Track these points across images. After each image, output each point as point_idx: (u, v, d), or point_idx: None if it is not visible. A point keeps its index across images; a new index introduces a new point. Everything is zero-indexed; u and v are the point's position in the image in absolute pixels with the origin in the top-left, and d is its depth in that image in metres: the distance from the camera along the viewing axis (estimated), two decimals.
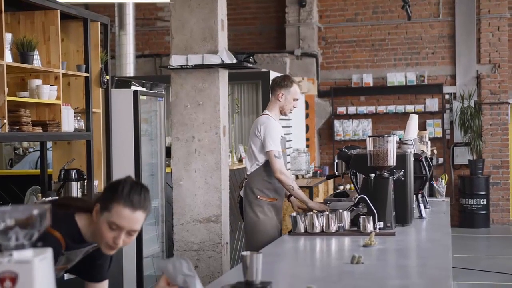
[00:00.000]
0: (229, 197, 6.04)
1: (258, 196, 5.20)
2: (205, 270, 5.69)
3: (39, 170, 5.80)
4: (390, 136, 4.40)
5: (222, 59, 5.69)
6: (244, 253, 2.74)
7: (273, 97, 5.34)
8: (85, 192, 5.60)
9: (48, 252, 1.78)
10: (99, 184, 5.85)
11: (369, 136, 4.44)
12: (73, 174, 5.43)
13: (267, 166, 5.17)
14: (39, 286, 1.72)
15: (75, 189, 5.42)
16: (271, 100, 5.37)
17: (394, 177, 4.43)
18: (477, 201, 12.19)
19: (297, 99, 5.33)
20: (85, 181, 5.57)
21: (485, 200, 12.21)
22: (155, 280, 6.72)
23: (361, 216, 4.23)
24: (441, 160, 12.49)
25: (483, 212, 12.23)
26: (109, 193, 2.62)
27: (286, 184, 5.10)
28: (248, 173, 5.29)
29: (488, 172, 12.47)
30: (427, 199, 5.62)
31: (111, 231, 2.58)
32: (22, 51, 4.77)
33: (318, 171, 11.13)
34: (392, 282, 2.97)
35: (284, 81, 5.30)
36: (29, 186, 5.91)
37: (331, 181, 11.42)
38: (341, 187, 12.19)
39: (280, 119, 5.39)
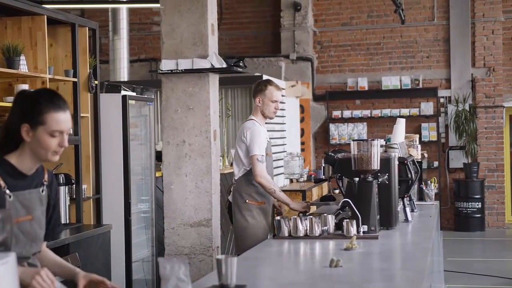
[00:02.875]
0: (220, 201, 6.06)
1: (247, 200, 5.26)
2: (196, 274, 5.70)
3: None
4: (374, 140, 4.41)
5: (212, 64, 5.71)
6: (219, 257, 2.76)
7: (254, 103, 5.45)
8: (74, 196, 5.61)
9: (11, 257, 1.80)
10: (87, 189, 5.86)
11: (353, 140, 4.46)
12: (61, 178, 5.44)
13: None
14: None
15: (63, 194, 5.42)
16: (254, 105, 5.48)
17: (378, 181, 4.44)
18: (472, 204, 12.19)
19: (275, 101, 5.36)
20: (73, 185, 5.59)
21: (480, 203, 12.21)
22: (145, 285, 6.72)
23: (345, 220, 4.24)
24: (436, 163, 12.50)
25: (478, 215, 12.23)
26: (33, 108, 2.69)
27: (268, 187, 5.16)
28: (236, 178, 5.37)
29: (483, 175, 12.47)
30: (415, 203, 5.63)
31: (54, 139, 2.69)
32: (8, 56, 4.79)
33: (313, 175, 11.13)
34: (367, 285, 2.98)
35: (259, 86, 5.40)
36: None
37: (325, 185, 11.43)
38: (337, 191, 12.20)
39: (272, 123, 5.45)
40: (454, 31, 12.60)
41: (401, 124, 5.57)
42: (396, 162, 4.68)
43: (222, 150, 8.66)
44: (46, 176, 2.87)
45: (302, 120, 12.35)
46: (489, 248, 11.13)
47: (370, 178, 4.40)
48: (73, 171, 5.65)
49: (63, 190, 5.43)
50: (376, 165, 4.39)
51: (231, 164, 8.31)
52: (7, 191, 2.68)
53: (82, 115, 5.73)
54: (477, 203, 12.19)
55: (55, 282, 2.68)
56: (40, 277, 2.60)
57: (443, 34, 12.72)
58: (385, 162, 4.53)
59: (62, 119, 2.70)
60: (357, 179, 4.39)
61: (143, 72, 13.06)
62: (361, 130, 12.82)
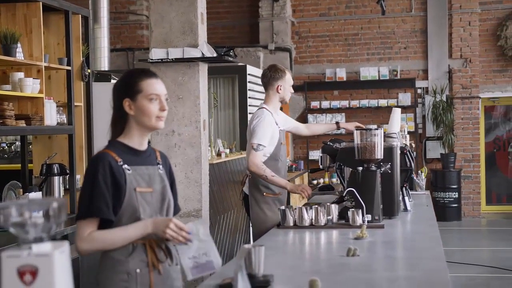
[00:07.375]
0: (209, 192, 6.02)
1: (264, 193, 5.15)
2: None
3: (19, 165, 5.70)
4: (377, 129, 4.41)
5: (202, 53, 5.66)
6: (247, 246, 2.73)
7: (270, 91, 5.31)
8: (67, 187, 5.52)
9: (66, 246, 1.76)
10: (81, 179, 5.78)
11: (357, 129, 4.45)
12: (55, 168, 5.35)
13: (271, 161, 5.12)
14: (59, 279, 1.69)
15: (57, 184, 5.34)
16: (268, 94, 5.33)
17: (381, 170, 4.45)
18: (449, 194, 12.33)
19: (291, 85, 5.42)
20: (67, 175, 5.50)
21: (456, 193, 12.35)
22: None
23: (350, 209, 4.24)
24: (413, 154, 12.58)
25: (455, 205, 12.38)
26: (129, 83, 2.88)
27: (259, 174, 5.04)
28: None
29: (459, 165, 12.61)
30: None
31: (153, 104, 2.84)
32: (5, 44, 4.69)
33: (294, 166, 11.17)
34: (390, 274, 2.98)
35: (278, 73, 5.30)
36: (9, 181, 5.82)
37: (306, 175, 11.47)
38: (315, 181, 12.24)
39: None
40: (432, 22, 12.70)
41: (397, 113, 5.58)
42: (398, 151, 4.69)
43: (209, 141, 8.61)
44: (158, 157, 2.98)
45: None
46: (466, 238, 11.27)
47: (373, 167, 4.40)
48: (66, 161, 5.56)
49: (57, 180, 5.35)
50: (379, 154, 4.39)
51: (218, 154, 8.27)
52: (125, 166, 2.81)
53: (75, 104, 5.63)
54: (453, 193, 12.33)
55: (184, 228, 2.74)
56: (170, 229, 2.72)
57: (420, 25, 12.80)
58: (388, 151, 4.54)
59: (156, 84, 2.87)
60: (360, 168, 4.39)
61: (120, 62, 12.92)
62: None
